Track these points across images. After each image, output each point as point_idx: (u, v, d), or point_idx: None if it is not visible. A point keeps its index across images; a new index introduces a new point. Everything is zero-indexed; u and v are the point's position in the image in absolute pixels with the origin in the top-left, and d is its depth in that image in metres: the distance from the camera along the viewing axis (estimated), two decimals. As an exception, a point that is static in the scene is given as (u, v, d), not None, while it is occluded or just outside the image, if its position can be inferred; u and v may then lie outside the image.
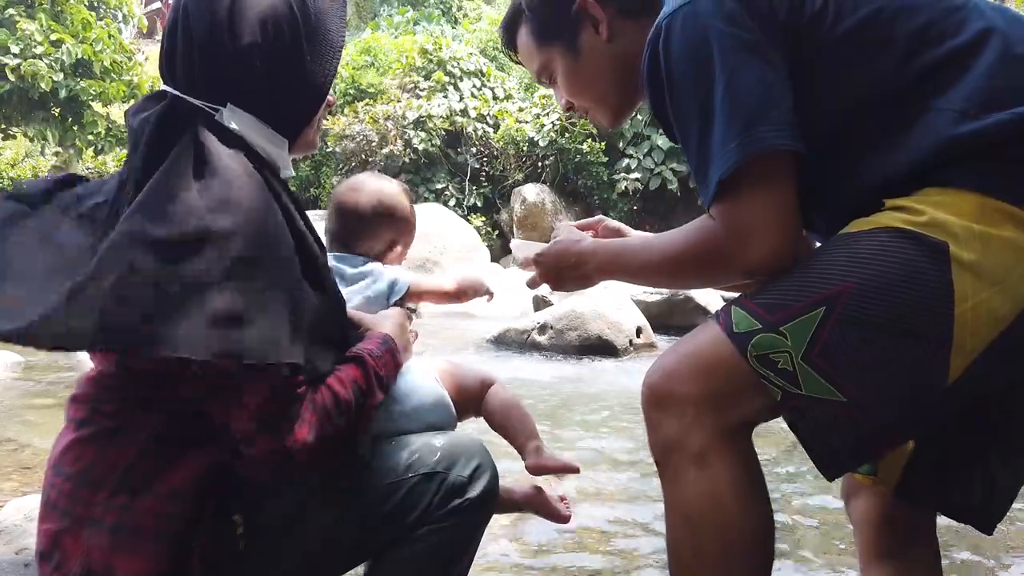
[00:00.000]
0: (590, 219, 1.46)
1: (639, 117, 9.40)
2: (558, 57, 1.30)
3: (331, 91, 1.24)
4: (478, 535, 1.23)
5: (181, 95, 1.10)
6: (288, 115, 1.16)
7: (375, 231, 1.47)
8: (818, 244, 1.16)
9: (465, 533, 1.19)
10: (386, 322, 1.29)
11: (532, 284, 1.37)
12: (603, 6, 1.24)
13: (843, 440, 0.97)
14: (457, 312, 6.21)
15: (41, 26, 10.20)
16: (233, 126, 1.10)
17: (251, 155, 1.10)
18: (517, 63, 1.42)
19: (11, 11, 10.30)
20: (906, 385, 0.95)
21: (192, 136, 1.06)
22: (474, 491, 1.18)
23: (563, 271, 1.28)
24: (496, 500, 1.23)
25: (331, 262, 1.35)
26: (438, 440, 1.21)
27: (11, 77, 10.00)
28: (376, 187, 1.50)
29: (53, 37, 10.27)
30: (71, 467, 1.09)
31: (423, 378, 1.35)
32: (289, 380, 1.03)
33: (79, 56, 10.40)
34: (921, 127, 0.98)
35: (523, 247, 1.36)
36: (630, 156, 9.41)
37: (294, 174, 1.26)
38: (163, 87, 1.12)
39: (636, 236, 1.37)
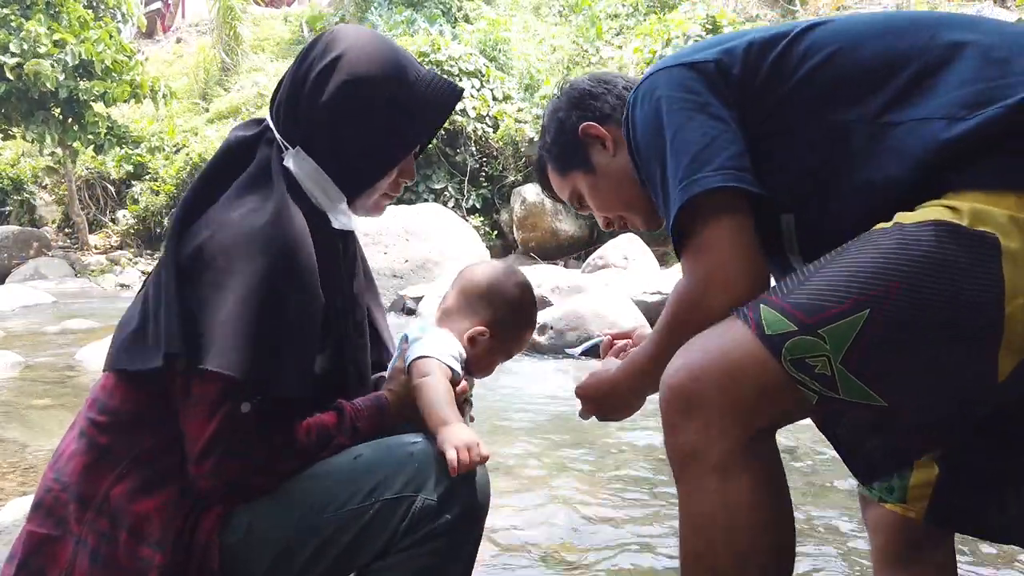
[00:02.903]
0: (626, 328, 1.52)
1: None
2: (580, 181, 1.42)
3: (412, 168, 1.30)
4: (462, 557, 1.13)
5: (271, 125, 1.22)
6: (349, 175, 1.23)
7: (470, 306, 1.37)
8: None
9: (444, 558, 1.10)
10: (392, 383, 1.29)
11: (583, 415, 1.34)
12: (604, 125, 1.37)
13: (880, 443, 0.96)
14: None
15: (41, 25, 10.18)
16: (291, 167, 1.19)
17: (301, 196, 1.17)
18: (561, 201, 1.54)
19: (5, 10, 10.26)
20: (951, 389, 0.92)
21: (262, 163, 1.17)
22: (448, 514, 1.09)
23: (602, 403, 1.29)
24: (481, 516, 1.14)
25: (413, 330, 1.35)
26: (410, 453, 1.13)
27: (10, 76, 9.97)
28: (495, 272, 1.41)
29: (55, 37, 10.25)
30: (68, 477, 1.12)
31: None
32: (247, 414, 1.05)
33: (81, 57, 10.38)
34: (910, 140, 0.97)
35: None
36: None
37: (355, 228, 1.31)
38: (269, 111, 1.25)
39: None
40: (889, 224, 0.94)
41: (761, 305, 0.96)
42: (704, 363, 0.98)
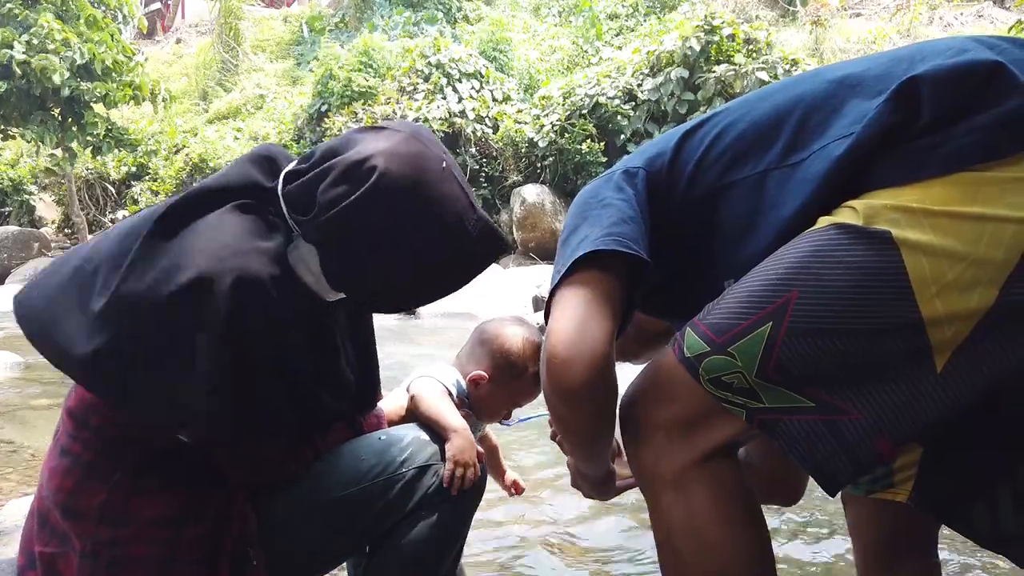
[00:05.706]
0: None
1: (638, 115, 9.40)
2: None
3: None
4: (469, 519, 1.32)
5: (280, 198, 1.09)
6: (348, 290, 1.12)
7: (474, 352, 1.56)
8: None
9: (458, 515, 1.28)
10: (391, 400, 1.46)
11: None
12: None
13: (830, 448, 0.91)
14: (459, 313, 6.21)
15: (48, 24, 10.17)
16: (290, 255, 1.08)
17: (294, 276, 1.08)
18: None
19: (10, 5, 10.23)
20: (884, 383, 0.89)
21: (272, 231, 1.07)
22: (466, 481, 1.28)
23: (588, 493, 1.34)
24: (483, 487, 1.32)
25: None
26: (427, 435, 1.30)
27: (17, 72, 9.93)
28: (500, 323, 1.58)
29: (60, 37, 10.25)
30: (56, 495, 1.10)
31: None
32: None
33: (89, 57, 10.37)
34: (813, 167, 0.98)
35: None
36: (630, 155, 9.39)
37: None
38: (279, 180, 1.10)
39: None
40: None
41: (687, 328, 0.99)
42: (642, 388, 1.04)
